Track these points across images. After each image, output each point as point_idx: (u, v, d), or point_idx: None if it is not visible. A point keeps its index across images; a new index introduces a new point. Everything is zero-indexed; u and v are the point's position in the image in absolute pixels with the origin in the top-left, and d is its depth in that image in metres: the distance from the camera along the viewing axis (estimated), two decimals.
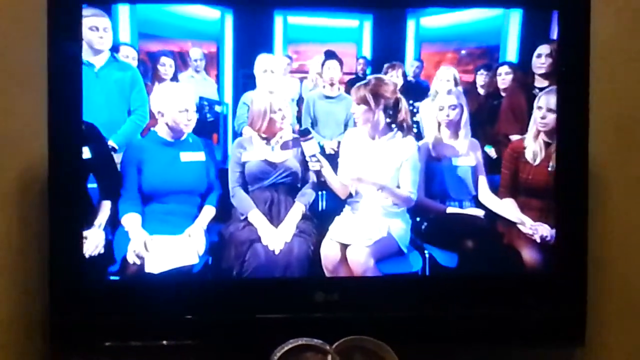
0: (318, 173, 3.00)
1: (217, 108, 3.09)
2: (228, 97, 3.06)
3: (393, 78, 3.03)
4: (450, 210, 2.98)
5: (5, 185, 2.09)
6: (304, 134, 2.99)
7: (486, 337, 1.96)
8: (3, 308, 2.09)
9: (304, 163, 2.99)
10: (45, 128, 1.91)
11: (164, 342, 1.94)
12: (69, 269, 1.88)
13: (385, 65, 3.03)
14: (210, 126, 3.08)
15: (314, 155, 3.13)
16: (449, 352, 2.03)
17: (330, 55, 3.07)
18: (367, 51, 3.03)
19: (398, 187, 2.97)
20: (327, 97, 3.16)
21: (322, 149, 3.03)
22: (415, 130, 3.05)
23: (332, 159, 3.05)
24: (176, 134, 2.97)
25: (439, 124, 3.06)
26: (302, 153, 2.97)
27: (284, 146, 3.01)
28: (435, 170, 3.04)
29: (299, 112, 3.12)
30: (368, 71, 3.08)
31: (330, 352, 1.95)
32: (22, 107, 2.12)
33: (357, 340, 1.99)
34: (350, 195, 3.03)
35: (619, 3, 2.10)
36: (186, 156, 2.95)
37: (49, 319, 1.90)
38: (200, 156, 2.98)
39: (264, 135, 2.98)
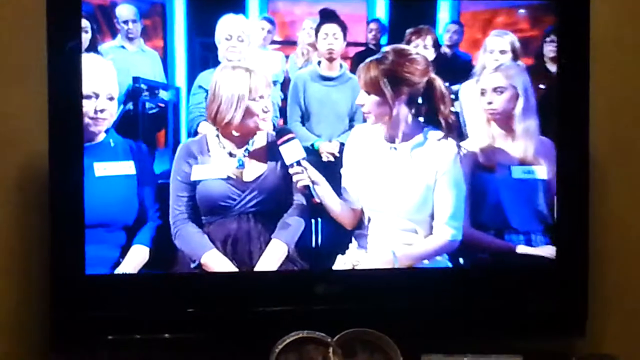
0: (308, 192, 2.26)
1: (163, 94, 2.38)
2: (180, 79, 2.38)
3: (420, 49, 2.34)
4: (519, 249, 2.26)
5: (5, 184, 2.19)
6: (281, 133, 2.26)
7: (487, 329, 2.04)
8: (4, 306, 2.20)
9: (287, 180, 2.26)
10: (46, 127, 1.96)
11: (166, 335, 2.04)
12: (70, 267, 1.98)
13: (408, 32, 2.38)
14: (151, 122, 2.37)
15: (297, 163, 2.24)
16: (450, 344, 2.09)
17: (328, 16, 2.35)
18: (381, 11, 2.40)
19: (431, 217, 2.24)
20: (324, 78, 2.42)
21: (316, 153, 2.36)
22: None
23: (332, 170, 2.37)
24: (87, 135, 2.15)
25: (488, 117, 2.33)
26: (284, 164, 2.25)
27: (256, 155, 2.27)
28: (486, 187, 2.30)
29: (284, 100, 2.45)
30: (383, 41, 2.43)
31: (332, 345, 2.04)
32: (22, 106, 2.18)
33: (359, 332, 2.06)
34: (360, 225, 2.28)
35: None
36: (103, 168, 2.18)
37: (50, 316, 2.00)
38: (126, 168, 2.21)
39: (234, 136, 2.26)
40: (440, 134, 2.26)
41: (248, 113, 2.23)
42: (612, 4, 2.19)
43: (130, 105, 2.32)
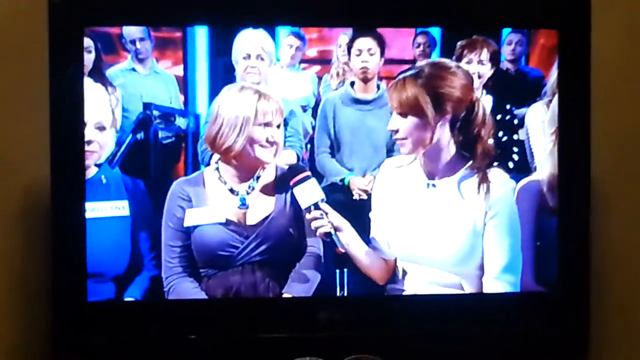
0: (329, 240, 1.93)
1: (180, 122, 2.11)
2: (202, 104, 2.09)
3: (473, 65, 2.00)
4: None
5: (7, 207, 2.12)
6: (295, 172, 1.96)
7: (490, 354, 1.95)
8: (5, 331, 2.13)
9: (300, 223, 1.96)
10: (47, 149, 1.89)
11: None
12: (72, 290, 1.91)
13: (460, 44, 2.02)
14: (165, 154, 2.08)
15: (315, 207, 1.91)
16: None
17: (362, 29, 2.04)
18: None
19: (481, 269, 1.88)
20: (358, 102, 2.09)
21: (346, 190, 2.04)
22: (516, 159, 2.03)
23: (366, 210, 2.02)
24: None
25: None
26: (295, 202, 1.94)
27: (262, 193, 1.99)
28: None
29: (314, 128, 2.12)
30: (435, 56, 2.06)
31: None
32: (24, 129, 2.10)
33: (362, 359, 1.91)
34: (394, 279, 1.95)
35: (620, 20, 2.08)
36: (92, 209, 1.92)
37: (51, 341, 1.94)
38: (119, 209, 1.95)
39: (236, 168, 1.99)
40: (481, 168, 1.89)
41: (252, 140, 1.94)
42: (613, 30, 2.10)
43: (140, 135, 2.04)
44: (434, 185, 1.93)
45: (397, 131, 1.90)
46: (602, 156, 2.05)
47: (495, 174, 1.91)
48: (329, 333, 1.94)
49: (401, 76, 1.90)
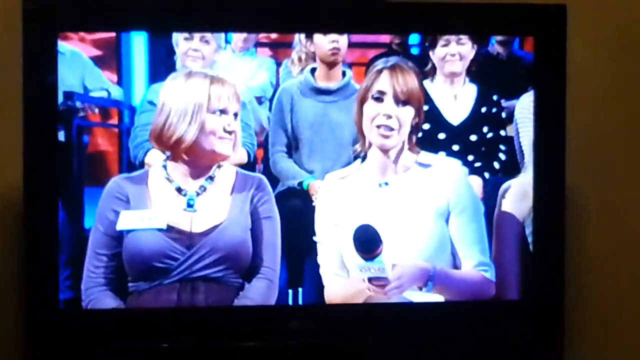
0: None
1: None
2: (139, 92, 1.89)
3: (452, 47, 1.85)
4: None
5: None
6: None
7: None
8: None
9: (256, 235, 1.77)
10: (20, 156, 1.81)
11: None
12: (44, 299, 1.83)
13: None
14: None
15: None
16: None
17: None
18: None
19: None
20: (320, 91, 1.90)
21: (305, 195, 1.85)
22: (503, 158, 1.90)
23: None
24: None
25: None
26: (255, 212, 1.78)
27: (215, 195, 1.78)
28: None
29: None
30: (413, 40, 1.93)
31: None
32: None
33: None
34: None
35: (595, 28, 2.12)
36: None
37: (23, 349, 1.88)
38: None
39: (187, 163, 1.77)
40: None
41: (206, 130, 1.72)
42: (588, 36, 2.10)
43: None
44: (386, 183, 1.78)
45: (390, 117, 1.74)
46: (577, 161, 2.03)
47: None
48: (301, 341, 1.86)
49: (392, 62, 1.77)
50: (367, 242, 1.70)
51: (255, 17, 1.78)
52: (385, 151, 1.75)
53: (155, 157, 1.81)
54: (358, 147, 1.78)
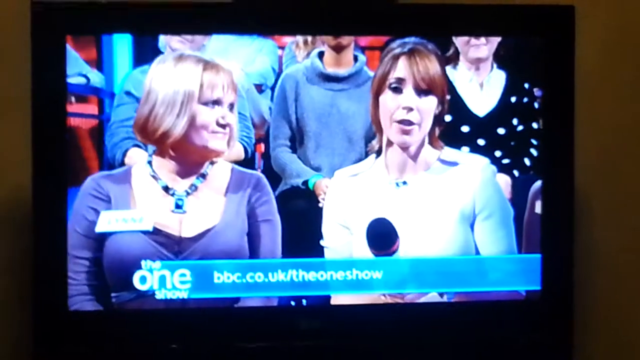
0: None
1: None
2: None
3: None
4: None
5: None
6: None
7: None
8: None
9: (253, 242, 1.71)
10: (29, 156, 1.81)
11: None
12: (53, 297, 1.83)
13: None
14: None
15: None
16: None
17: None
18: None
19: None
20: (327, 78, 1.80)
21: (311, 195, 1.76)
22: (535, 154, 1.87)
23: None
24: None
25: None
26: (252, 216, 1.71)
27: (207, 196, 1.71)
28: None
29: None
30: None
31: None
32: (5, 136, 2.06)
33: None
34: None
35: (604, 29, 2.24)
36: None
37: (32, 350, 1.88)
38: None
39: (176, 160, 1.68)
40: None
41: (197, 124, 1.64)
42: (597, 37, 2.17)
43: None
44: (404, 182, 1.75)
45: (411, 110, 1.69)
46: (586, 161, 2.08)
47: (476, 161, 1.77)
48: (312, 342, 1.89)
49: (410, 46, 1.72)
50: (382, 237, 1.68)
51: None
52: (404, 148, 1.72)
53: (136, 156, 1.70)
54: (375, 143, 1.71)
